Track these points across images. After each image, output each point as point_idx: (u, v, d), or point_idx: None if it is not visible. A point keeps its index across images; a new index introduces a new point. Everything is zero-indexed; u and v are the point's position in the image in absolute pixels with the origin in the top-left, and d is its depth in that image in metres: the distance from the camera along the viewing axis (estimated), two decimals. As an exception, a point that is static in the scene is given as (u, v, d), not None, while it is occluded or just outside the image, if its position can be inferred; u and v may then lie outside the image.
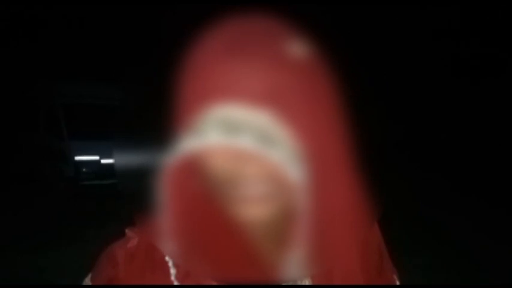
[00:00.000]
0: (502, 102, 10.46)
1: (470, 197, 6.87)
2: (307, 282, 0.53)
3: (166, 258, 0.51)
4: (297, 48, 0.44)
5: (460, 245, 4.70)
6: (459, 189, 7.23)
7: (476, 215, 5.90)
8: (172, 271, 0.51)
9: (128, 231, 0.55)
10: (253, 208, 0.45)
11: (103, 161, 7.36)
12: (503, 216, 5.70)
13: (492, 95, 10.76)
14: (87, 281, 0.55)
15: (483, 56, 10.94)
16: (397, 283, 0.64)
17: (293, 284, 0.53)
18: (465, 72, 11.09)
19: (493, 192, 7.01)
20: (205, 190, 0.46)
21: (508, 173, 7.76)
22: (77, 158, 7.60)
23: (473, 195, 6.88)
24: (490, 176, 7.83)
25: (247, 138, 0.41)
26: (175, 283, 0.50)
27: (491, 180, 7.48)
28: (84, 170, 7.56)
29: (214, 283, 0.48)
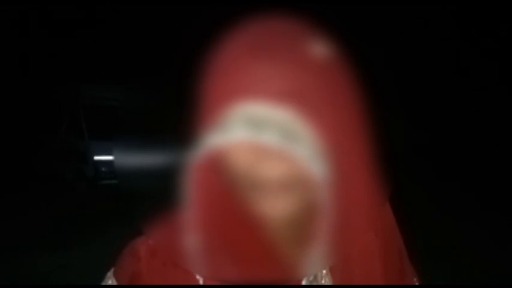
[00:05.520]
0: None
1: (474, 198, 6.78)
2: (324, 273, 0.53)
3: None
4: (319, 48, 0.45)
5: (463, 246, 4.64)
6: (466, 192, 7.13)
7: (480, 216, 5.82)
8: None
9: (149, 230, 0.55)
10: (276, 204, 0.45)
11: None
12: (505, 217, 5.62)
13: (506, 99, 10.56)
14: (110, 275, 0.56)
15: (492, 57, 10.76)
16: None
17: (312, 280, 0.53)
18: (479, 75, 10.91)
19: (495, 192, 6.91)
20: (229, 187, 0.46)
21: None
22: (96, 157, 7.70)
23: (479, 198, 6.78)
24: (500, 180, 7.68)
25: (271, 135, 0.42)
26: (198, 278, 0.51)
27: (499, 184, 7.35)
28: (103, 169, 7.66)
29: (237, 281, 0.48)
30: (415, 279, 0.63)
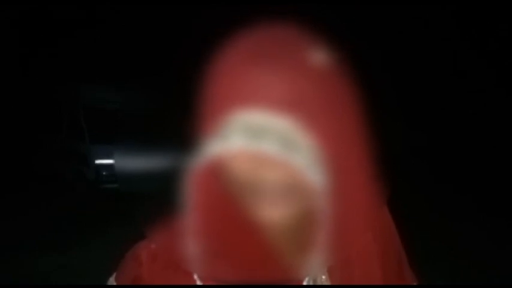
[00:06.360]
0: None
1: (471, 199, 6.79)
2: (324, 278, 0.54)
3: None
4: (319, 56, 0.45)
5: (461, 247, 4.64)
6: (463, 193, 7.14)
7: (478, 217, 5.83)
8: None
9: (149, 232, 0.56)
10: (274, 211, 0.45)
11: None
12: (502, 218, 5.63)
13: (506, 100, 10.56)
14: (112, 281, 0.56)
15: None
16: None
17: (312, 282, 0.53)
18: (477, 77, 10.90)
19: (492, 193, 6.93)
20: (228, 193, 0.47)
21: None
22: (98, 161, 7.73)
23: (476, 199, 6.79)
24: (497, 181, 7.70)
25: (270, 143, 0.42)
26: (198, 282, 0.52)
27: (497, 186, 7.37)
28: (104, 173, 7.67)
29: (236, 283, 0.49)
30: (413, 281, 0.64)
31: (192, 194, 0.46)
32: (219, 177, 0.46)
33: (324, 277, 0.54)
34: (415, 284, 0.64)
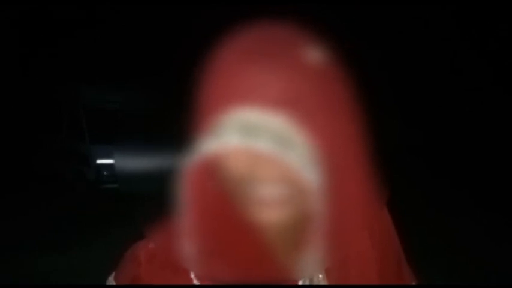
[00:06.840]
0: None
1: (468, 195, 6.81)
2: (320, 277, 0.54)
3: None
4: (315, 54, 0.45)
5: (458, 244, 4.64)
6: (460, 190, 7.15)
7: (475, 214, 5.84)
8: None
9: (149, 232, 0.56)
10: (270, 210, 0.45)
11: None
12: (499, 215, 5.64)
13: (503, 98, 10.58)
14: (111, 280, 0.56)
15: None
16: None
17: (308, 281, 0.53)
18: (474, 75, 10.92)
19: (490, 190, 6.94)
20: (223, 192, 0.47)
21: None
22: (98, 161, 7.74)
23: (473, 196, 6.80)
24: (495, 177, 7.72)
25: (265, 142, 0.42)
26: (195, 282, 0.52)
27: (494, 182, 7.38)
28: (105, 173, 7.68)
29: (232, 283, 0.49)
30: (412, 281, 0.64)
31: (187, 192, 0.46)
32: (214, 176, 0.46)
33: (320, 276, 0.54)
34: (414, 283, 0.64)
